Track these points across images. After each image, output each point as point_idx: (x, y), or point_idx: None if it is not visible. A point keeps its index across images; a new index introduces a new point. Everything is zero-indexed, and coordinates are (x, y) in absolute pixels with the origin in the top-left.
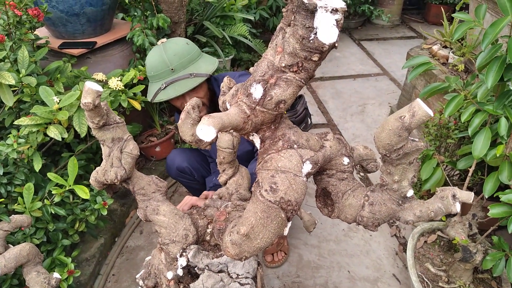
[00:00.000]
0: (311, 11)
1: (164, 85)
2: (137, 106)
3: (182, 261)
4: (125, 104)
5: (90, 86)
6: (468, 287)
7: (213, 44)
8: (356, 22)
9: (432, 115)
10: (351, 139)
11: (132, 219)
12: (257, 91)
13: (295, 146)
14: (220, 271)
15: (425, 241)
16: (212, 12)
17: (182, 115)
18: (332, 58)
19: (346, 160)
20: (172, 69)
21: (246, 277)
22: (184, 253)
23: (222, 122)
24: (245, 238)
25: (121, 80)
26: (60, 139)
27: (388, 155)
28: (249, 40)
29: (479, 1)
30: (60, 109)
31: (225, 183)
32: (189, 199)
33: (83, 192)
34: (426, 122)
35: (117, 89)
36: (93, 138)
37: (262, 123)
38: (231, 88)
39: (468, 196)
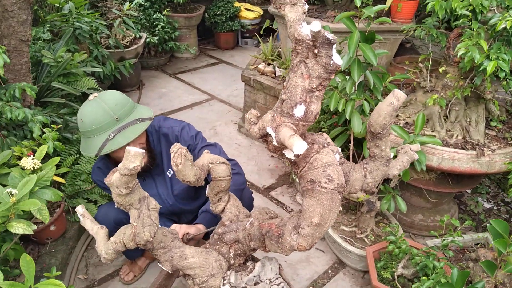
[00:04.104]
0: (332, 44)
1: (112, 135)
2: (62, 180)
3: None
4: (51, 174)
5: (133, 149)
6: (372, 232)
7: (71, 104)
8: (165, 59)
9: (406, 96)
10: None
11: None
12: (299, 110)
13: (325, 145)
14: (256, 283)
15: None
16: (57, 72)
17: (180, 160)
18: (161, 94)
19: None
20: (117, 118)
21: (277, 278)
22: (224, 281)
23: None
24: (317, 227)
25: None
26: (32, 233)
27: (381, 132)
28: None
29: (283, 22)
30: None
31: (223, 210)
32: (179, 227)
33: None
34: None
35: (35, 168)
36: None
37: (301, 135)
38: (259, 117)
39: (416, 146)
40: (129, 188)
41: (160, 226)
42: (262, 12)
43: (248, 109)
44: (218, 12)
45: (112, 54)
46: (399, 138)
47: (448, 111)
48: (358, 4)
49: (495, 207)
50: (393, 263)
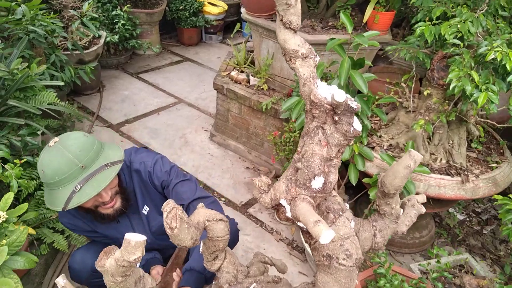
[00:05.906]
0: (355, 111)
1: (79, 186)
2: (33, 231)
3: None
4: (24, 238)
5: (134, 238)
6: None
7: (30, 123)
8: (125, 57)
9: (422, 157)
10: (195, 171)
11: None
12: (317, 182)
13: (340, 212)
14: None
15: None
16: (13, 87)
17: (174, 223)
18: (124, 97)
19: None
20: (82, 166)
21: None
22: None
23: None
24: None
25: None
26: None
27: (394, 192)
28: (62, 105)
29: (258, 30)
30: None
31: (219, 269)
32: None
33: None
34: (274, 140)
35: (1, 220)
36: None
37: (317, 205)
38: (269, 185)
39: (423, 198)
40: (125, 276)
41: None
42: (226, 7)
43: (220, 117)
44: (181, 7)
45: (70, 57)
46: (385, 163)
47: (431, 133)
48: (350, 30)
49: (467, 219)
50: None
